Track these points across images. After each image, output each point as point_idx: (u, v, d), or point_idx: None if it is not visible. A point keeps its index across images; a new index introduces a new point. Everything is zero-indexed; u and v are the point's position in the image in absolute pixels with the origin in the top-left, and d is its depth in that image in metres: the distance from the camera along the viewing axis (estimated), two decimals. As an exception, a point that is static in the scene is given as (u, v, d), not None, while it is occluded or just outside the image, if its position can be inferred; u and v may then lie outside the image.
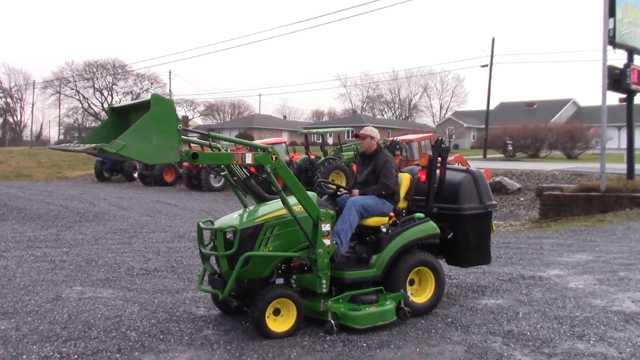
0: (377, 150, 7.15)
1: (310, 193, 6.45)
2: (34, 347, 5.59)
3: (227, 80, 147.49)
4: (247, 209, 6.44)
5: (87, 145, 5.16)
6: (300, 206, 6.04)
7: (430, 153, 7.22)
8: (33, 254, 10.62)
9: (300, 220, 5.99)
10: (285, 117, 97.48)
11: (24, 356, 5.34)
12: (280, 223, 6.11)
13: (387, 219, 6.82)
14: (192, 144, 6.15)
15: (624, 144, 23.24)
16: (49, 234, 12.98)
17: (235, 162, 5.77)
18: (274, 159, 5.79)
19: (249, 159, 5.74)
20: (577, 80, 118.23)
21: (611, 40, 17.08)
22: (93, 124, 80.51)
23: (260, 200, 6.66)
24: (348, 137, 49.29)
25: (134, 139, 5.00)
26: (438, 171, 7.15)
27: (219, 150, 6.13)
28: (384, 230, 6.66)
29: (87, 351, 5.48)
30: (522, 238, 13.00)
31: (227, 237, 5.98)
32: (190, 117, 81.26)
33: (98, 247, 11.31)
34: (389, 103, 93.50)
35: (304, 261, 6.25)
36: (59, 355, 5.36)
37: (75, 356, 5.35)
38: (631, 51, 17.89)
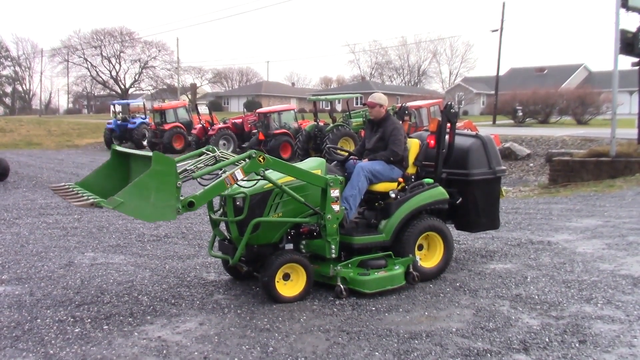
0: (386, 117, 7.09)
1: (317, 159, 6.46)
2: (48, 311, 5.69)
3: (235, 47, 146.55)
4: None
5: (84, 202, 5.14)
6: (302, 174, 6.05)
7: (440, 119, 7.18)
8: (45, 221, 10.74)
9: (305, 198, 6.04)
10: (293, 84, 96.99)
11: (39, 320, 5.44)
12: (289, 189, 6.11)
13: (395, 184, 6.82)
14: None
15: (635, 109, 23.05)
16: (60, 202, 13.05)
17: (229, 186, 5.68)
18: (261, 160, 5.67)
19: (239, 175, 5.61)
20: (589, 44, 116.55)
21: (624, 3, 16.75)
22: (102, 92, 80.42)
23: None
24: (357, 103, 48.94)
25: (132, 197, 4.98)
26: (447, 137, 7.12)
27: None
28: (393, 195, 6.67)
29: (100, 315, 5.57)
30: (531, 203, 12.99)
31: (237, 203, 6.00)
32: (198, 84, 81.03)
33: (109, 214, 11.38)
34: (398, 69, 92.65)
35: (313, 227, 6.29)
36: (72, 319, 5.45)
37: (89, 320, 5.44)
38: (644, 14, 17.58)
